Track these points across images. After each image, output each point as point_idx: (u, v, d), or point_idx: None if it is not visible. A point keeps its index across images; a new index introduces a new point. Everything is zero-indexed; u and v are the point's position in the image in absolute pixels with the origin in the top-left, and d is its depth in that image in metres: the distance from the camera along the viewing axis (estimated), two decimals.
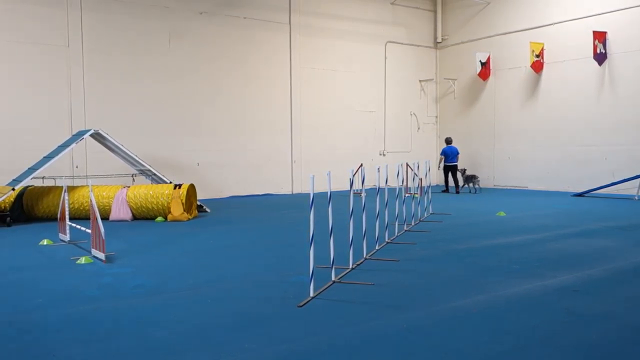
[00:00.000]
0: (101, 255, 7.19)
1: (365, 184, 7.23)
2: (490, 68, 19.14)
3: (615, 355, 3.95)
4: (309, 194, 5.28)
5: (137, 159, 12.35)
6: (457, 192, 17.35)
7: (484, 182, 19.58)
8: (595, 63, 16.09)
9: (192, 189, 11.88)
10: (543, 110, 17.79)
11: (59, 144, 11.99)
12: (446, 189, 17.70)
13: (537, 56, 17.50)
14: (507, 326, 4.54)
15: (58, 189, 11.46)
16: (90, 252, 7.57)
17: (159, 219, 11.32)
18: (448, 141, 17.97)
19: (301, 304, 5.12)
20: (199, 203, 12.42)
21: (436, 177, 19.87)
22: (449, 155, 17.60)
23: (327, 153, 18.25)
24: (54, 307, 5.18)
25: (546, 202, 14.41)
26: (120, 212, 11.29)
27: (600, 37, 15.85)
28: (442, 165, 17.87)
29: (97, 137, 12.14)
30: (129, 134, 14.30)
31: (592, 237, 8.82)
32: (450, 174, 17.73)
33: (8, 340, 4.32)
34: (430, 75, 20.99)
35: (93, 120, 14.03)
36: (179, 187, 11.43)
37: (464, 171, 17.68)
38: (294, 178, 17.85)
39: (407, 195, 13.26)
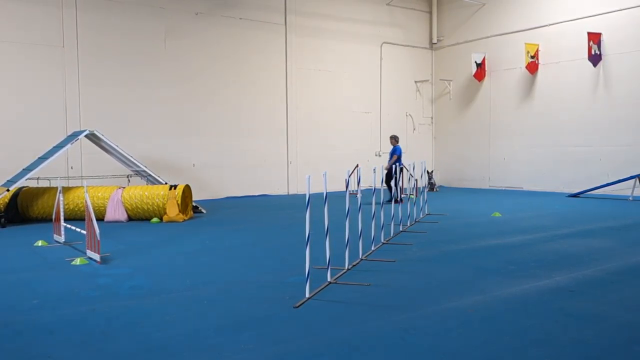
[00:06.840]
0: (96, 257, 7.17)
1: (361, 184, 7.24)
2: (486, 69, 19.18)
3: (610, 356, 3.96)
4: (305, 195, 5.27)
5: (132, 159, 12.32)
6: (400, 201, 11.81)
7: (479, 182, 19.64)
8: (590, 64, 16.13)
9: (187, 189, 11.84)
10: (538, 111, 17.84)
11: (54, 145, 11.95)
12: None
13: (532, 57, 17.55)
14: (503, 326, 4.54)
15: (53, 189, 11.42)
16: (85, 253, 7.54)
17: (155, 219, 11.29)
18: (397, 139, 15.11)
19: (297, 304, 5.11)
20: (194, 204, 12.39)
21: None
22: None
23: (323, 154, 18.24)
24: (49, 308, 5.16)
25: (541, 202, 14.45)
26: (116, 213, 11.25)
27: (595, 38, 15.91)
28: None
29: (92, 137, 12.11)
30: (124, 134, 14.28)
31: (587, 238, 8.84)
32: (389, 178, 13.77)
33: (3, 341, 4.30)
34: (425, 76, 21.03)
35: (88, 121, 13.99)
36: (175, 188, 11.40)
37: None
38: (290, 179, 17.83)
39: (403, 195, 13.23)
